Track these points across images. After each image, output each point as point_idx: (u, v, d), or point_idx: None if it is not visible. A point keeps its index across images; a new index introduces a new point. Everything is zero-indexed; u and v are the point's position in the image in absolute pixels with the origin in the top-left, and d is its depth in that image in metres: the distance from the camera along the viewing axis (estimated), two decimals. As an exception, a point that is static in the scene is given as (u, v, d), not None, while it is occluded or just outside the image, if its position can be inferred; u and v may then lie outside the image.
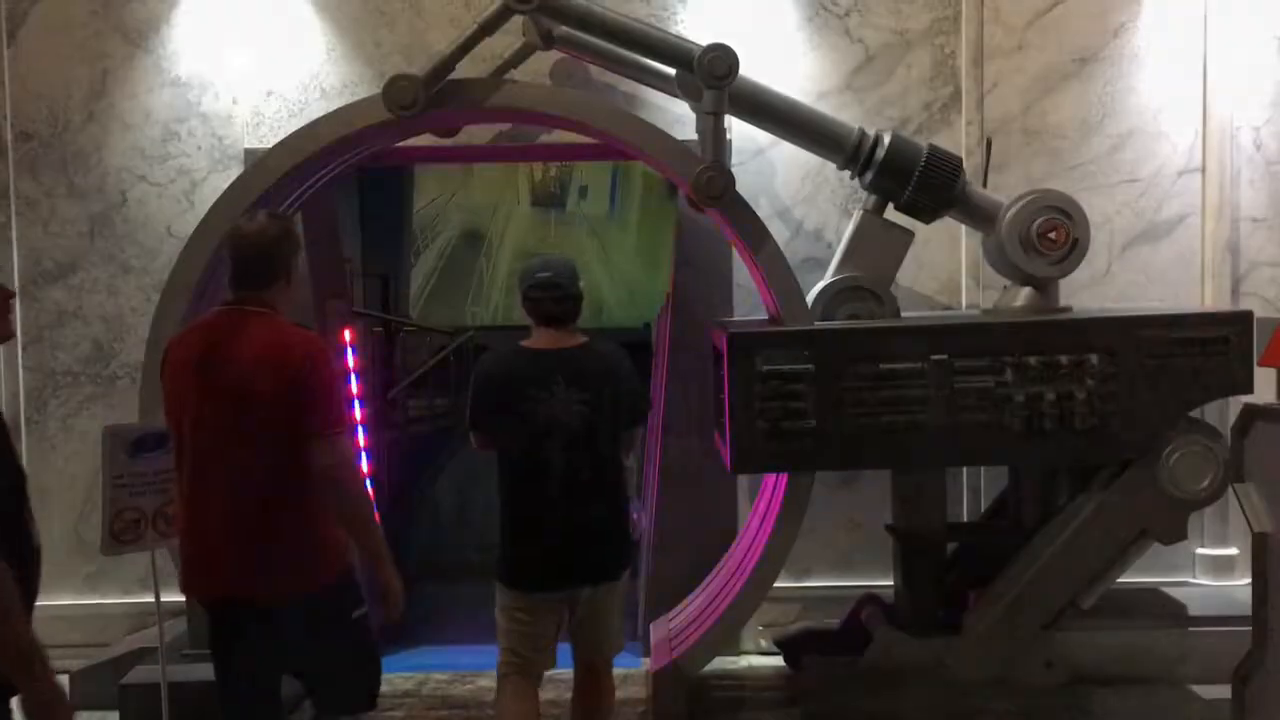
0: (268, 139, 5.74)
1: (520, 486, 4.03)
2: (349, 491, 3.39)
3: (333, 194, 6.28)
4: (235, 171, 5.69)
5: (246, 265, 3.47)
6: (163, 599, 4.49)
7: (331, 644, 3.47)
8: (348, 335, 6.24)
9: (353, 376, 6.27)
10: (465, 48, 4.95)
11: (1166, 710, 4.85)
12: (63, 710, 2.67)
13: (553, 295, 4.04)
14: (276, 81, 5.92)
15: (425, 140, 5.66)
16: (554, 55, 5.59)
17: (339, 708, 3.61)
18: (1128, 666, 4.96)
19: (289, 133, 5.31)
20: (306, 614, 3.37)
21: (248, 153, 5.82)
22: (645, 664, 5.59)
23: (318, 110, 5.68)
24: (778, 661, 5.69)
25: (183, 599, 5.00)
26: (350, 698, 3.59)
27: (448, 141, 5.77)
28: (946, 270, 5.92)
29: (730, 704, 5.27)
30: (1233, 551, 5.84)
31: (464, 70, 5.03)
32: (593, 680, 4.21)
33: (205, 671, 4.76)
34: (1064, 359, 4.80)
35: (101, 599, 5.95)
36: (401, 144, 5.63)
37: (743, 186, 5.00)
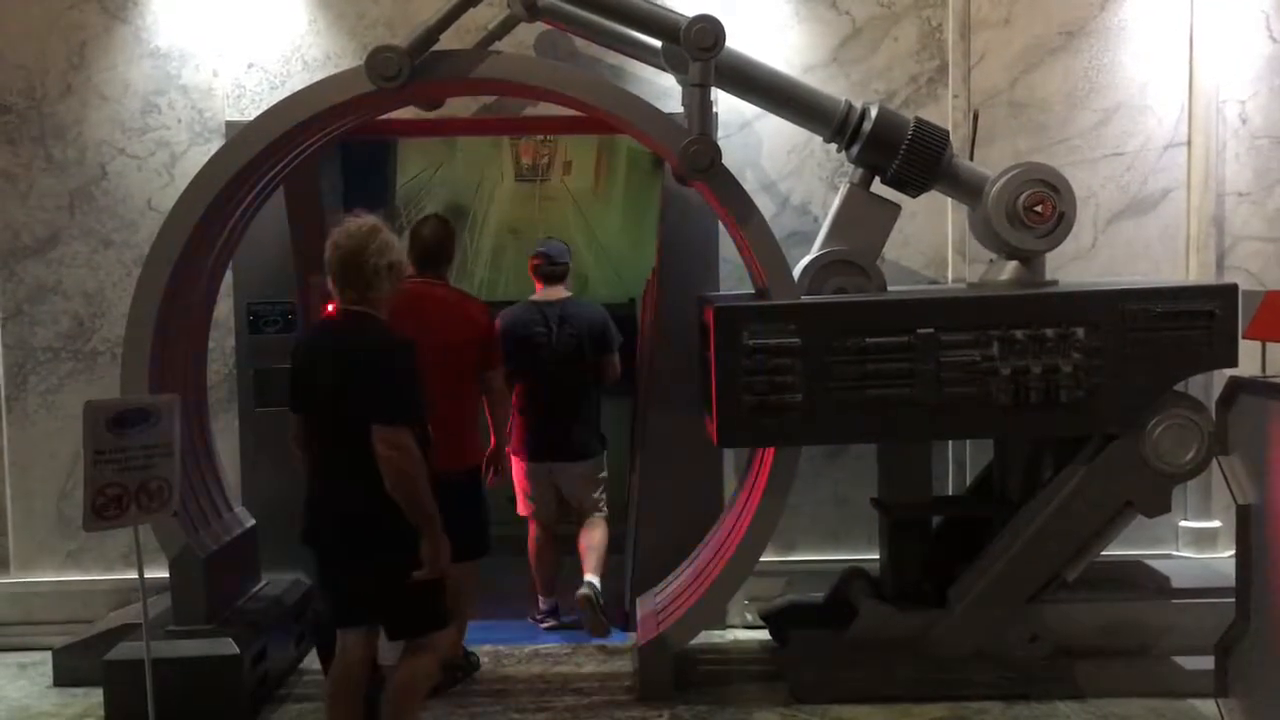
0: (249, 111, 5.69)
1: (525, 392, 5.84)
2: (508, 399, 5.50)
3: (315, 168, 6.21)
4: (216, 144, 5.63)
5: (432, 252, 5.18)
6: (146, 575, 4.45)
7: (477, 499, 5.19)
8: (331, 311, 6.17)
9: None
10: (449, 19, 4.90)
11: (1150, 682, 4.89)
12: (446, 553, 3.85)
13: (548, 262, 6.03)
14: (258, 53, 5.85)
15: (409, 113, 5.61)
16: (539, 27, 5.53)
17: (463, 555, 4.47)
18: (1112, 638, 5.00)
19: (270, 105, 5.25)
20: (471, 479, 5.12)
21: (229, 125, 5.76)
22: (631, 638, 5.60)
23: (300, 83, 5.62)
24: (763, 635, 5.71)
25: (166, 575, 5.01)
26: (475, 546, 5.03)
27: (432, 115, 5.72)
28: (933, 244, 5.92)
29: (716, 678, 5.28)
30: (1215, 524, 5.88)
31: (448, 42, 4.98)
32: (585, 524, 5.99)
33: (189, 648, 4.81)
34: (1050, 332, 4.80)
35: (84, 575, 5.92)
36: (385, 117, 5.58)
37: (729, 160, 4.97)
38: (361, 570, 3.90)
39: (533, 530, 6.05)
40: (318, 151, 5.64)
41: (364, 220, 4.01)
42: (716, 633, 5.82)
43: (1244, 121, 5.89)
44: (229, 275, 5.69)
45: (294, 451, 4.14)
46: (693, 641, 5.24)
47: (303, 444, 4.08)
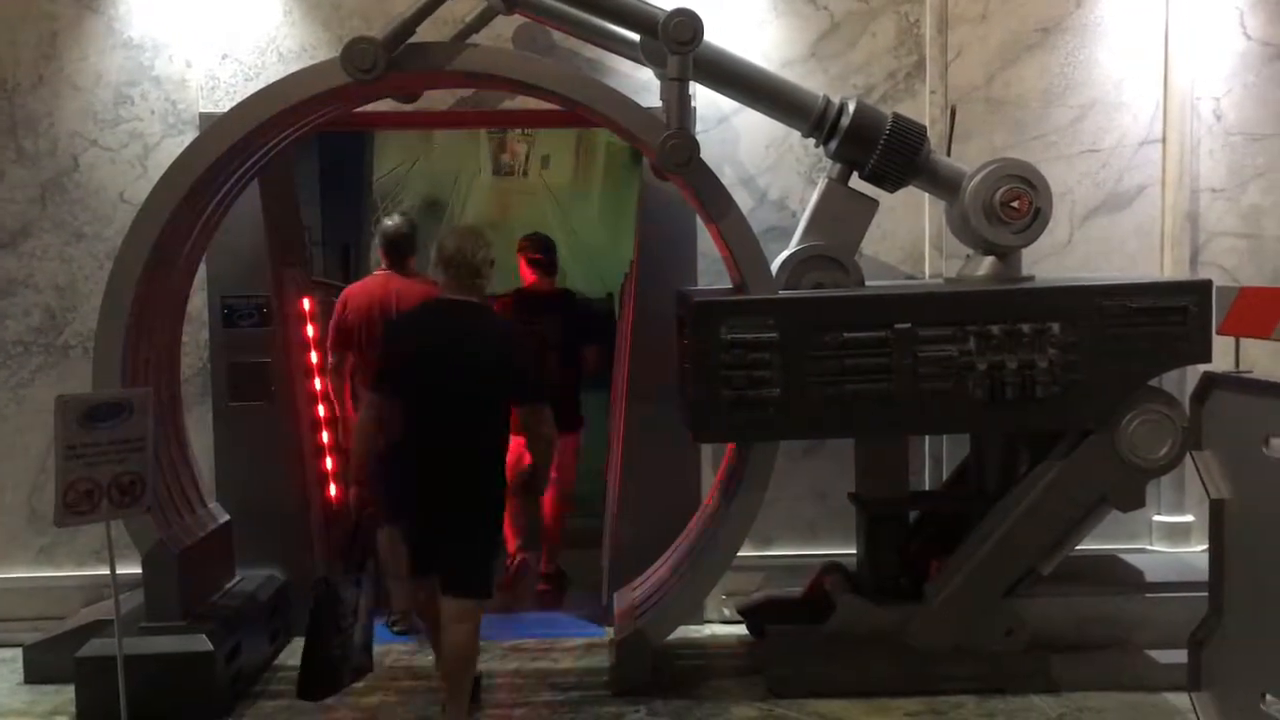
0: (223, 103, 5.63)
1: None
2: None
3: (291, 160, 6.17)
4: (189, 136, 5.58)
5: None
6: (118, 571, 4.42)
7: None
8: (306, 304, 6.15)
9: (312, 347, 6.18)
10: (426, 10, 4.87)
11: (1124, 675, 4.92)
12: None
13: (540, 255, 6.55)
14: (232, 44, 5.80)
15: (385, 105, 5.58)
16: (516, 20, 5.51)
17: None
18: (1086, 632, 5.02)
19: (245, 97, 5.20)
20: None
21: (203, 117, 5.70)
22: (609, 633, 5.60)
23: (274, 74, 5.58)
24: (741, 630, 5.72)
25: (138, 570, 4.97)
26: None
27: (408, 107, 5.69)
28: (910, 239, 5.93)
29: (693, 673, 5.28)
30: (1189, 519, 5.92)
31: (425, 34, 4.95)
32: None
33: (162, 644, 4.77)
34: (1026, 328, 4.82)
35: (56, 571, 5.86)
36: (361, 109, 5.54)
37: (706, 154, 4.96)
38: (456, 529, 4.41)
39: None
40: (293, 144, 5.59)
41: (472, 226, 5.15)
42: (694, 628, 5.82)
43: (1218, 118, 5.92)
44: (203, 268, 5.64)
45: (370, 430, 4.51)
46: (670, 636, 5.24)
47: (385, 420, 4.46)
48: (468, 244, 4.52)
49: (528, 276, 6.54)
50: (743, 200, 5.53)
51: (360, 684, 5.18)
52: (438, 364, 4.40)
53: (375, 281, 5.88)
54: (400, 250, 5.86)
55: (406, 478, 4.47)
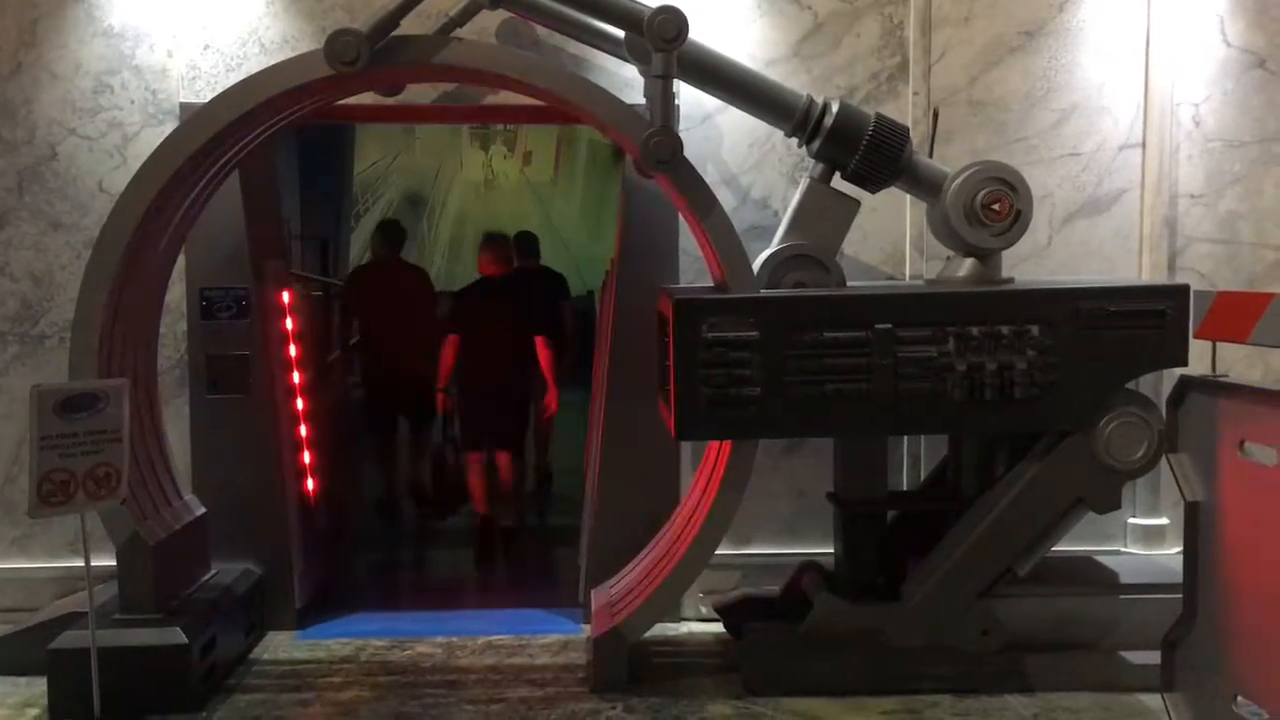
0: (204, 94, 5.60)
1: None
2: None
3: (271, 152, 6.14)
4: (169, 126, 5.54)
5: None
6: (92, 562, 4.38)
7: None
8: (286, 298, 6.12)
9: (291, 340, 6.15)
10: (409, 4, 4.85)
11: (1098, 675, 4.95)
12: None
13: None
14: (214, 34, 5.76)
15: (367, 99, 5.55)
16: (501, 14, 5.50)
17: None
18: (1061, 633, 5.05)
19: (226, 88, 5.16)
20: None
21: (183, 107, 5.67)
22: (586, 630, 5.60)
23: (256, 65, 5.55)
24: (718, 628, 5.72)
25: (113, 563, 4.94)
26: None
27: (390, 100, 5.66)
28: (891, 240, 5.95)
29: (670, 670, 5.29)
30: (1163, 521, 5.97)
31: (408, 27, 4.93)
32: None
33: (136, 637, 4.75)
34: (1005, 329, 4.84)
35: (30, 563, 5.82)
36: (343, 102, 5.52)
37: (690, 153, 4.96)
38: (508, 413, 7.33)
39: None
40: (274, 136, 5.56)
41: (500, 231, 7.89)
42: (671, 625, 5.83)
43: (1197, 124, 5.97)
44: (181, 259, 5.61)
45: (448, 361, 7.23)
46: (647, 634, 5.24)
47: (458, 349, 7.17)
48: (500, 240, 7.61)
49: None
50: (725, 199, 5.54)
51: (336, 679, 5.21)
52: (492, 311, 7.08)
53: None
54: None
55: (473, 383, 7.22)
